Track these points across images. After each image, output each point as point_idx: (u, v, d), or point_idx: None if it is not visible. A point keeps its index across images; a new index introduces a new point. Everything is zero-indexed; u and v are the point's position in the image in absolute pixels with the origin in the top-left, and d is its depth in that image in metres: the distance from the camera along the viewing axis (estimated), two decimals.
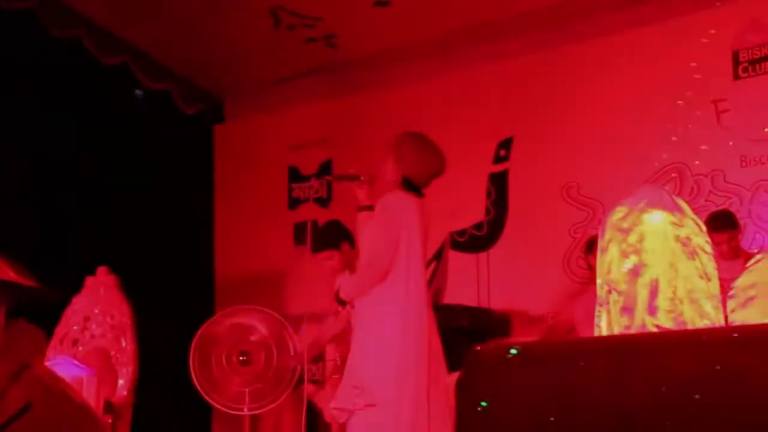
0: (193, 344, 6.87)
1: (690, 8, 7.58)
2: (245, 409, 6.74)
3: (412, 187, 5.17)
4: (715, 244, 6.03)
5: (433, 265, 8.24)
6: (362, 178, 5.16)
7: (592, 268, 6.52)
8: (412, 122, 8.46)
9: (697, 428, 2.31)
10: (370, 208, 5.18)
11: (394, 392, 4.93)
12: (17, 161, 7.54)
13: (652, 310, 2.93)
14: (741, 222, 6.71)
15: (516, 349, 2.59)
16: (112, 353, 6.19)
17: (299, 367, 6.46)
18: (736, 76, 7.38)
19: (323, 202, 8.73)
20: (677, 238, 2.99)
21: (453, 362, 5.20)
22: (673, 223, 3.02)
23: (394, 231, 5.01)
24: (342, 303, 5.20)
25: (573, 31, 8.05)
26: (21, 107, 7.56)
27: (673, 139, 7.54)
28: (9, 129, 7.41)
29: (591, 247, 6.63)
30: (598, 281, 3.11)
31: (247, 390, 6.76)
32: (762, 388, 2.26)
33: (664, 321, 2.90)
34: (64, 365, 5.62)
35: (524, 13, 8.02)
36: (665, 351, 2.47)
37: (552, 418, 2.46)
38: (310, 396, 6.43)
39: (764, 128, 7.21)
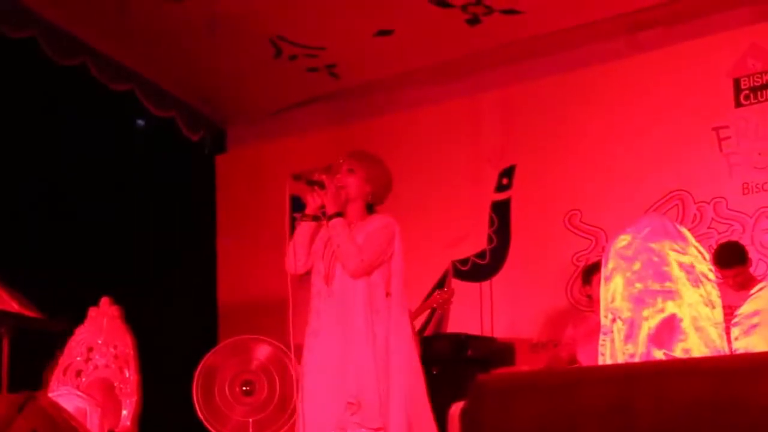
0: (196, 374, 6.86)
1: (691, 35, 7.60)
2: None
3: (371, 207, 5.13)
4: (723, 278, 6.02)
5: (436, 293, 8.23)
6: (326, 186, 5.04)
7: (591, 298, 6.52)
8: (413, 150, 8.51)
9: None
10: (333, 216, 5.00)
11: (404, 413, 4.84)
12: (19, 187, 7.54)
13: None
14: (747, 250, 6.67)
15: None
16: (116, 384, 6.17)
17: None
18: (738, 104, 7.39)
19: None
20: (681, 266, 2.99)
21: (457, 391, 5.18)
22: (677, 251, 3.02)
23: (385, 255, 4.97)
24: (328, 218, 4.98)
25: (574, 58, 8.08)
26: (24, 133, 7.58)
27: (675, 166, 7.54)
28: (12, 155, 7.42)
29: (588, 277, 6.63)
30: (602, 310, 3.11)
31: (250, 420, 6.75)
32: (767, 416, 2.26)
33: None
34: (67, 396, 5.60)
35: (525, 40, 8.05)
36: (670, 379, 2.46)
37: None
38: None
39: (766, 155, 7.22)
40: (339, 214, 4.94)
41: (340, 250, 4.88)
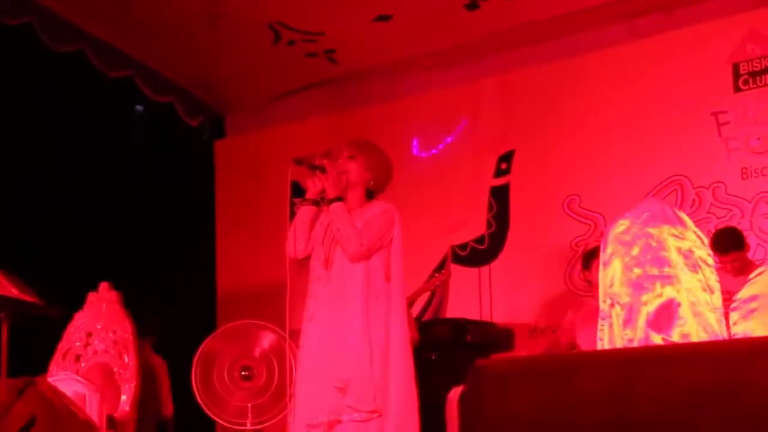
0: (195, 359, 6.87)
1: (690, 20, 7.59)
2: (248, 425, 6.74)
3: (371, 195, 5.15)
4: (720, 264, 6.03)
5: (435, 276, 8.23)
6: (327, 171, 5.06)
7: (591, 283, 6.52)
8: (412, 135, 8.51)
9: None
10: (333, 200, 5.03)
11: (404, 398, 4.86)
12: (18, 175, 7.54)
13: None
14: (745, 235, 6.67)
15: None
16: (115, 369, 6.18)
17: None
18: (737, 89, 7.38)
19: None
20: (679, 251, 2.99)
21: (456, 376, 5.18)
22: (675, 236, 3.02)
23: (385, 240, 4.99)
24: (328, 202, 4.98)
25: (573, 44, 8.06)
26: (21, 121, 7.58)
27: (674, 151, 7.54)
28: (10, 143, 7.42)
29: (587, 262, 6.63)
30: (601, 295, 3.11)
31: (249, 405, 6.76)
32: (765, 400, 2.26)
33: None
34: (66, 381, 5.60)
35: (524, 26, 8.03)
36: (669, 364, 2.47)
37: None
38: None
39: (765, 140, 7.22)
40: (339, 199, 4.96)
41: (340, 233, 4.90)
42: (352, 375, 4.76)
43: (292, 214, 5.25)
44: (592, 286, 6.47)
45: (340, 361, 4.80)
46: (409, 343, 4.97)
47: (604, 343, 3.02)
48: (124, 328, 6.27)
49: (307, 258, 5.13)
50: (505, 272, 8.17)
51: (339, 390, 4.75)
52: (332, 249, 4.99)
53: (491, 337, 7.62)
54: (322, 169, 5.02)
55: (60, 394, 3.50)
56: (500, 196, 8.32)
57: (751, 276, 4.88)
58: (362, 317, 4.83)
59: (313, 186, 5.09)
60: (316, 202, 5.10)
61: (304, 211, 5.12)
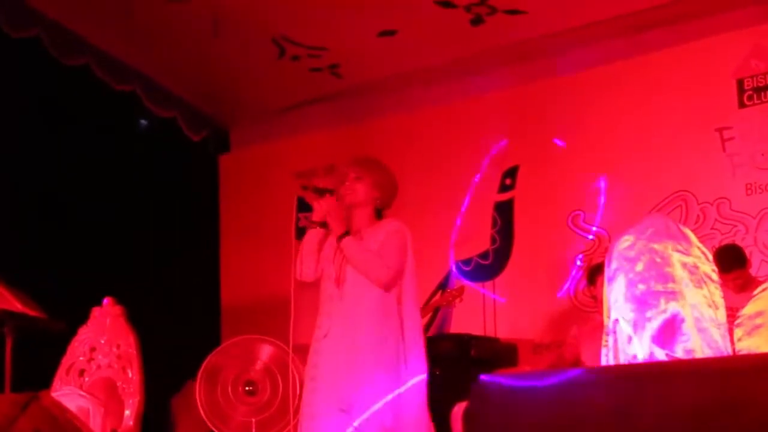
0: (199, 374, 6.87)
1: (694, 35, 7.60)
2: None
3: (379, 212, 5.14)
4: (723, 282, 6.00)
5: (438, 294, 8.23)
6: (333, 193, 5.05)
7: (596, 299, 6.52)
8: (416, 150, 8.51)
9: None
10: (325, 225, 5.05)
11: (416, 418, 4.85)
12: (23, 189, 7.55)
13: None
14: (747, 252, 6.66)
15: None
16: (119, 384, 6.18)
17: None
18: (741, 104, 7.38)
19: None
20: (684, 267, 2.99)
21: (460, 392, 5.17)
22: (680, 252, 3.02)
23: (404, 258, 4.98)
24: (338, 239, 4.96)
25: (577, 59, 8.07)
26: (26, 134, 7.59)
27: (678, 167, 7.54)
28: (15, 155, 7.43)
29: (592, 278, 6.63)
30: (605, 310, 3.11)
31: (253, 420, 6.75)
32: None
33: None
34: (70, 396, 5.61)
35: (529, 41, 8.04)
36: (673, 380, 2.46)
37: None
38: None
39: None
40: (347, 233, 4.94)
41: (364, 265, 4.85)
42: (359, 396, 4.74)
43: (297, 229, 5.23)
44: (597, 301, 6.46)
45: (350, 381, 4.78)
46: (424, 363, 4.94)
47: (608, 359, 3.02)
48: (128, 342, 6.27)
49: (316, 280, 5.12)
50: (509, 287, 8.16)
51: (342, 411, 4.74)
52: (343, 267, 4.96)
53: (495, 353, 7.61)
54: (331, 192, 5.01)
55: (64, 409, 3.50)
56: (504, 212, 8.32)
57: (755, 292, 4.87)
58: (376, 336, 4.82)
59: (319, 208, 5.07)
60: (322, 224, 5.08)
61: (312, 235, 5.11)
